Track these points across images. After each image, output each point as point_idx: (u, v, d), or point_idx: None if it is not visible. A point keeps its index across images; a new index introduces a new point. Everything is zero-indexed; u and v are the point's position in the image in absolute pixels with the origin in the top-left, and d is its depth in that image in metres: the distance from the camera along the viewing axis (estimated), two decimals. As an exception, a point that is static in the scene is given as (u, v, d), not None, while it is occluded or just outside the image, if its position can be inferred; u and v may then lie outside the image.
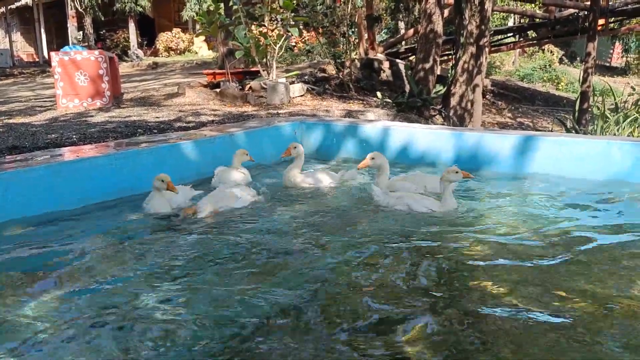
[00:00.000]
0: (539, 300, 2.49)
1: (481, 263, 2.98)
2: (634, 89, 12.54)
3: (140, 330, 2.24)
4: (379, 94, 10.95)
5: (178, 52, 27.62)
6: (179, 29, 28.35)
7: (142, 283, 2.70)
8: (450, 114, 9.67)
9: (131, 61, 24.40)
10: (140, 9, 26.31)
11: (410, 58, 15.44)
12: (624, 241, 3.28)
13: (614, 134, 8.51)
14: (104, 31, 27.74)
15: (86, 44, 24.36)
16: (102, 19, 26.15)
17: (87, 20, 25.73)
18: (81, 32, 26.17)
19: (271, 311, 2.37)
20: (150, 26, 29.45)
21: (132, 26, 26.97)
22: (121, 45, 26.88)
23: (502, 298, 2.52)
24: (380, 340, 2.16)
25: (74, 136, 6.15)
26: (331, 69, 12.61)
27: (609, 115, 9.21)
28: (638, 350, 2.05)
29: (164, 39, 27.62)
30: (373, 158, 4.25)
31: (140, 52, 26.15)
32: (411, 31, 15.31)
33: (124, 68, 20.53)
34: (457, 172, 3.83)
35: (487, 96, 15.30)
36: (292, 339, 2.17)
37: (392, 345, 2.12)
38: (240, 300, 2.49)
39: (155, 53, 27.61)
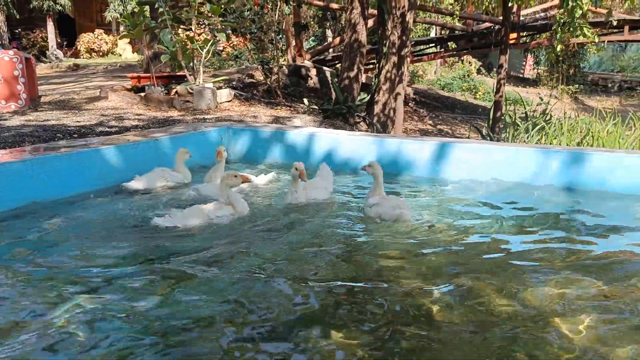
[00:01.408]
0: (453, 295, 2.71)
1: (397, 261, 3.18)
2: (542, 99, 13.50)
3: (63, 338, 2.24)
4: (305, 100, 11.14)
5: (100, 54, 26.65)
6: (101, 30, 27.38)
7: (63, 290, 2.67)
8: (374, 120, 10.00)
9: (49, 62, 23.28)
10: (60, 8, 25.18)
11: (337, 66, 15.79)
12: (529, 239, 3.61)
13: (524, 141, 9.14)
14: (19, 30, 26.28)
15: (-1, 43, 23.01)
16: (17, 16, 24.79)
17: (0, 18, 24.30)
18: (-7, 30, 24.69)
19: (197, 317, 2.44)
20: (70, 26, 28.22)
21: (50, 25, 25.73)
22: (39, 45, 25.57)
23: (414, 292, 2.72)
24: (302, 335, 2.29)
25: (-13, 140, 5.89)
26: (259, 75, 12.68)
27: (519, 123, 9.87)
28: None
29: (85, 40, 26.57)
30: (296, 169, 4.34)
31: (59, 53, 24.99)
32: (337, 39, 15.66)
33: (41, 69, 19.59)
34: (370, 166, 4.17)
35: (409, 104, 15.90)
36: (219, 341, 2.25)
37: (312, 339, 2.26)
38: (164, 305, 2.53)
39: (75, 54, 26.50)
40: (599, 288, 2.76)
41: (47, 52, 24.85)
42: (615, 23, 11.62)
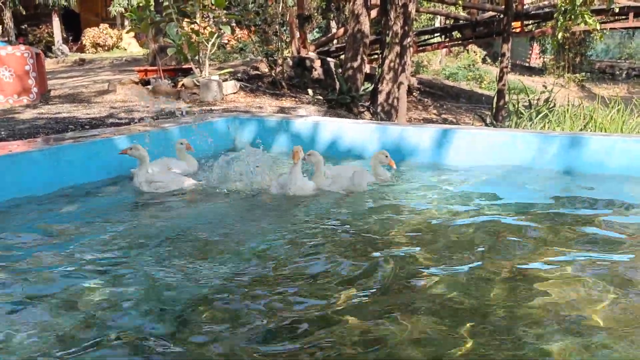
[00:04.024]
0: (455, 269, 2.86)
1: (402, 241, 3.33)
2: (545, 87, 13.56)
3: (80, 313, 2.37)
4: (310, 91, 11.28)
5: (106, 48, 26.83)
6: (106, 25, 27.53)
7: (79, 268, 2.84)
8: (378, 110, 10.14)
9: (56, 57, 23.49)
10: (65, 3, 25.35)
11: (341, 56, 15.88)
12: (528, 218, 3.77)
13: (528, 129, 9.24)
14: (25, 26, 26.51)
15: (6, 38, 23.18)
16: (24, 12, 25.02)
17: (7, 14, 24.51)
18: (0, 27, 24.90)
19: (207, 291, 2.60)
20: (75, 21, 28.41)
21: (56, 21, 25.93)
22: (44, 41, 25.79)
23: (420, 271, 2.88)
24: (312, 309, 2.46)
25: (3, 132, 6.08)
26: (264, 67, 12.81)
27: (523, 111, 9.97)
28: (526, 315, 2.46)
29: (90, 34, 26.74)
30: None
31: (65, 48, 25.19)
32: (341, 30, 15.75)
33: (48, 64, 19.73)
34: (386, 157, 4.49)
35: (414, 94, 15.99)
36: (228, 315, 2.42)
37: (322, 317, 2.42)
38: (177, 281, 2.70)
39: (81, 49, 26.69)
40: (602, 264, 2.90)
41: (53, 47, 25.06)
42: (617, 10, 11.63)
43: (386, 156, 4.62)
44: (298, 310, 2.40)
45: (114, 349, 2.09)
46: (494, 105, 11.34)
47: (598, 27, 9.78)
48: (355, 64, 10.45)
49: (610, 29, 15.86)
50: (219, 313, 2.37)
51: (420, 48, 17.84)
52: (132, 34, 24.32)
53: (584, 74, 24.94)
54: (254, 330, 2.21)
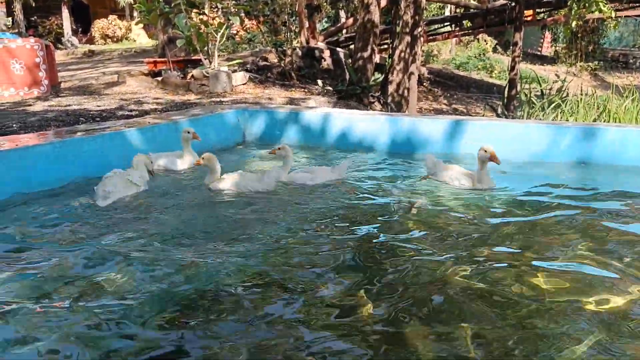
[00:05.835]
0: (471, 267, 2.81)
1: (415, 236, 3.30)
2: (558, 77, 13.38)
3: (95, 300, 2.41)
4: (320, 82, 11.21)
5: (115, 39, 26.87)
6: (115, 16, 27.56)
7: (91, 260, 2.85)
8: (388, 100, 10.06)
9: (65, 49, 23.56)
10: (75, -5, 25.39)
11: (351, 46, 15.76)
12: (542, 211, 3.72)
13: (540, 119, 9.13)
14: (35, 17, 26.58)
15: (16, 30, 23.27)
16: (33, 4, 25.06)
17: (17, 6, 24.58)
18: (10, 19, 24.98)
19: (215, 282, 2.59)
20: (84, 13, 28.45)
21: (65, 12, 25.98)
22: (54, 33, 25.87)
23: (436, 264, 2.85)
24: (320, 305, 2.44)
25: (14, 125, 6.10)
26: (273, 58, 12.75)
27: (535, 101, 9.84)
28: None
29: (99, 26, 26.79)
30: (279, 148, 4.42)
31: (75, 40, 25.26)
32: (351, 20, 15.62)
33: (58, 56, 19.75)
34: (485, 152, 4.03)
35: (424, 84, 15.86)
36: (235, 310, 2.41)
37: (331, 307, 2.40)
38: (189, 271, 2.69)
39: (90, 41, 26.75)
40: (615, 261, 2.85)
41: (62, 39, 25.13)
42: (632, -3, 11.43)
43: (485, 151, 4.01)
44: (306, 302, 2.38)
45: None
46: (506, 95, 11.22)
47: (613, 15, 9.60)
48: (365, 54, 10.37)
49: (625, 16, 15.57)
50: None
51: (431, 37, 17.65)
52: (141, 25, 24.29)
53: (597, 62, 24.60)
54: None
